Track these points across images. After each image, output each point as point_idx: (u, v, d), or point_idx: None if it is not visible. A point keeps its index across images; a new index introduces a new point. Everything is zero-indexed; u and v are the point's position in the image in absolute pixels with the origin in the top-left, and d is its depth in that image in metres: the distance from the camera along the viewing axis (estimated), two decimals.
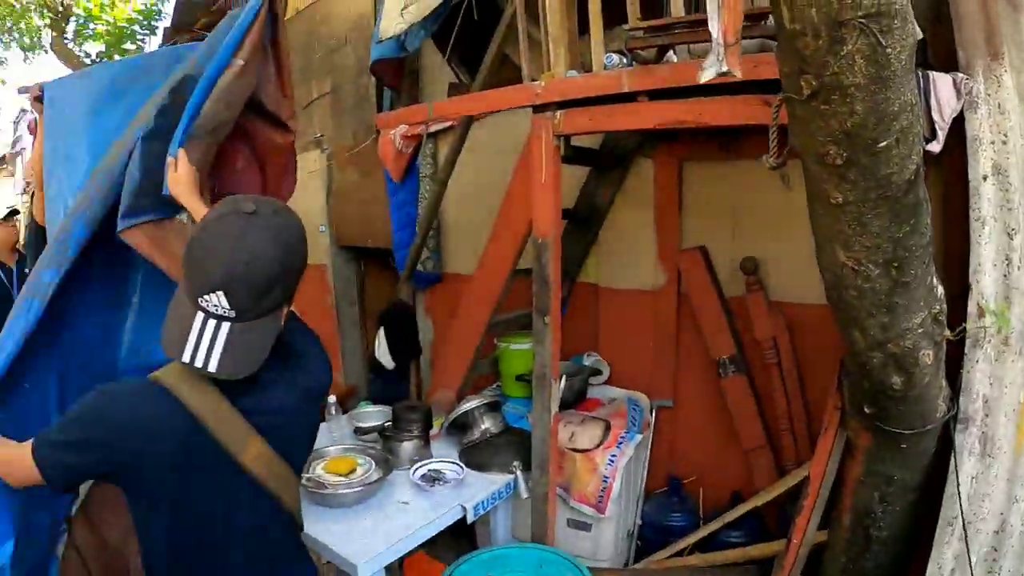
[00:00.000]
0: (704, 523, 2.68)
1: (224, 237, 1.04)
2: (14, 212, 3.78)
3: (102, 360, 1.67)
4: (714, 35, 1.29)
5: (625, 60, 1.87)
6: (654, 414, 2.84)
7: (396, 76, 3.23)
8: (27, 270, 2.86)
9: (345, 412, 2.65)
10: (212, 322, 1.04)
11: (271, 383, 1.15)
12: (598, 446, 2.54)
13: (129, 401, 1.09)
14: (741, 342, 2.65)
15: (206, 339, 1.03)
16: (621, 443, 2.53)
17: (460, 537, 2.42)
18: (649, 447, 2.80)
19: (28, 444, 1.05)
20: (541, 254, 2.01)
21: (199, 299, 1.03)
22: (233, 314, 1.04)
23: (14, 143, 15.07)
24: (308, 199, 4.52)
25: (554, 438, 2.20)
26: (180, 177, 1.40)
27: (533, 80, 2.12)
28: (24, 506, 1.40)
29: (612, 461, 2.49)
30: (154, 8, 7.91)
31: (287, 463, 1.19)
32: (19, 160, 14.68)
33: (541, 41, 2.05)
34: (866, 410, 1.64)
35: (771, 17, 1.25)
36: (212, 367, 1.03)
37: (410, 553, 3.02)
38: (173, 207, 1.49)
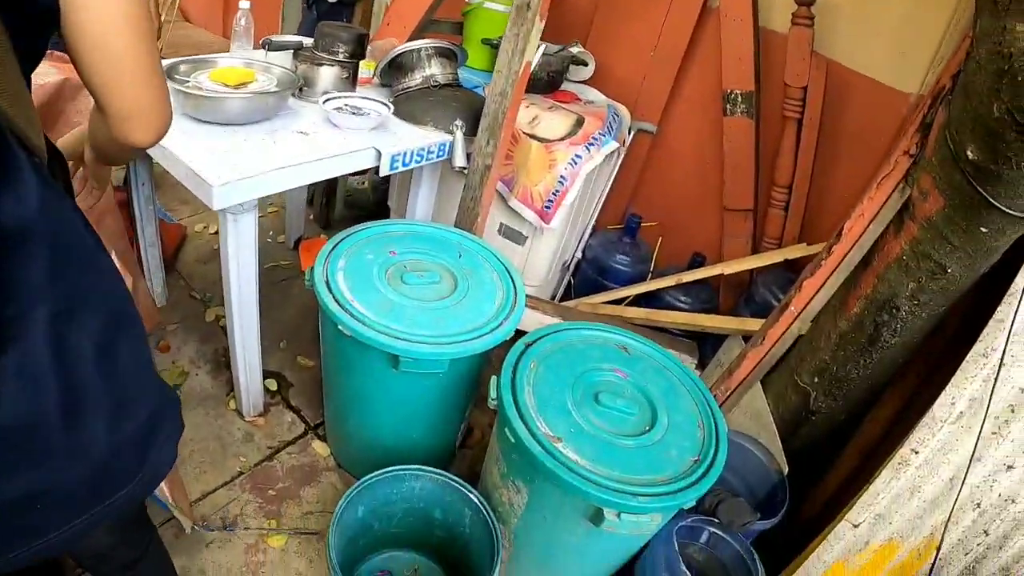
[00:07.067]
0: (653, 276, 2.32)
1: None
2: None
3: None
4: None
5: None
6: (632, 135, 2.31)
7: None
8: None
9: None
10: None
11: None
12: (563, 139, 2.01)
13: None
14: (761, 82, 2.06)
15: None
16: (592, 145, 2.00)
17: None
18: (616, 170, 2.31)
19: None
20: None
21: None
22: None
23: None
24: None
25: (514, 110, 1.62)
26: None
27: None
28: None
29: (576, 162, 1.98)
30: None
31: None
32: None
33: None
34: (968, 154, 1.14)
35: None
36: None
37: (307, 237, 2.58)
38: None
